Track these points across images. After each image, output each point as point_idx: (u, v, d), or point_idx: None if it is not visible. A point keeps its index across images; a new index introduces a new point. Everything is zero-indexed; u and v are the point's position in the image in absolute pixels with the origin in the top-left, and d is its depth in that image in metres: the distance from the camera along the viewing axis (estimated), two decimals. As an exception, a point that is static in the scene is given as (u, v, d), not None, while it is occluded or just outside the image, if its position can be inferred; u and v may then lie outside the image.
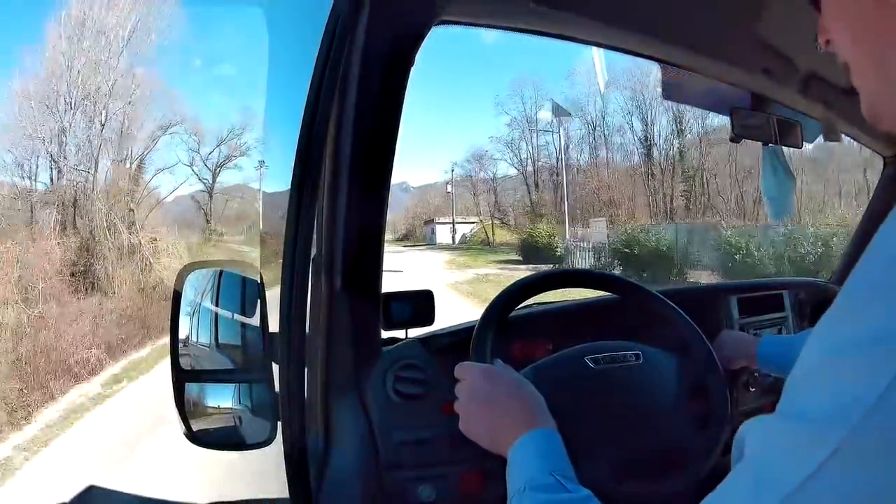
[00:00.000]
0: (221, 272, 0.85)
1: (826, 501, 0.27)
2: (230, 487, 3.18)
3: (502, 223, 23.44)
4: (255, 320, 0.76)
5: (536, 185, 22.90)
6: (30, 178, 11.38)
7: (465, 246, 23.29)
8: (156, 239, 11.95)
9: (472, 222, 25.44)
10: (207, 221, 16.11)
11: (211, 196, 16.33)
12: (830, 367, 0.30)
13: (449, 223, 25.45)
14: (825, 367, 0.30)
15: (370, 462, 0.78)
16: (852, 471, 0.27)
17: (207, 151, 15.34)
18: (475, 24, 0.81)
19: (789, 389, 0.32)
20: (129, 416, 5.65)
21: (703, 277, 12.70)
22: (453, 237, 25.01)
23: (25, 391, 6.41)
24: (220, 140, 15.40)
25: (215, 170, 16.04)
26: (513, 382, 0.65)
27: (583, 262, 16.01)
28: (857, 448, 0.27)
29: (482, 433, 0.63)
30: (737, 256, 12.68)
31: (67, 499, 3.02)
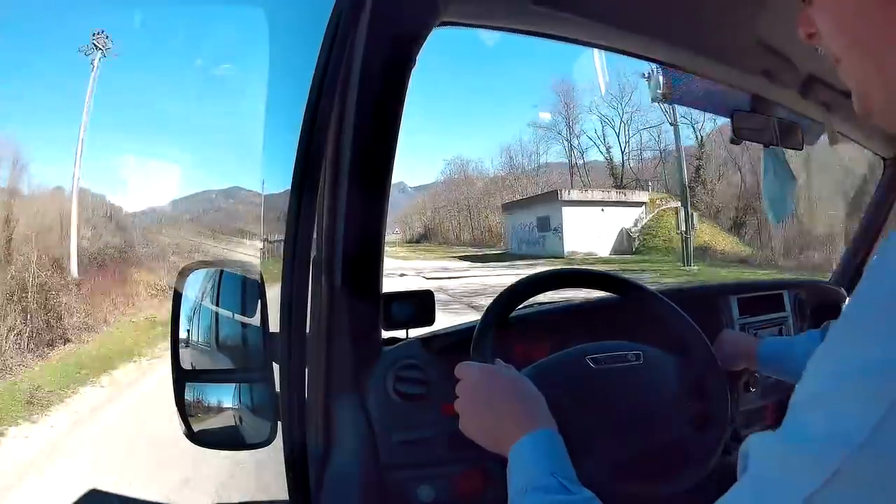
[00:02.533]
0: (222, 272, 0.85)
1: None
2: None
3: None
4: (255, 320, 0.76)
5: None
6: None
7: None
8: None
9: (636, 203, 12.24)
10: None
11: None
12: (831, 392, 0.31)
13: (590, 203, 11.57)
14: (826, 392, 0.31)
15: (370, 462, 0.78)
16: (849, 495, 0.28)
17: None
18: (476, 25, 0.81)
19: (791, 411, 0.33)
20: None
21: None
22: (687, 240, 10.55)
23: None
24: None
25: None
26: (513, 381, 0.65)
27: None
28: (855, 473, 0.28)
29: (482, 433, 0.63)
30: None
31: (65, 498, 3.01)
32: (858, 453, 0.28)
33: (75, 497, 3.00)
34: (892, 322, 0.29)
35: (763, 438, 0.35)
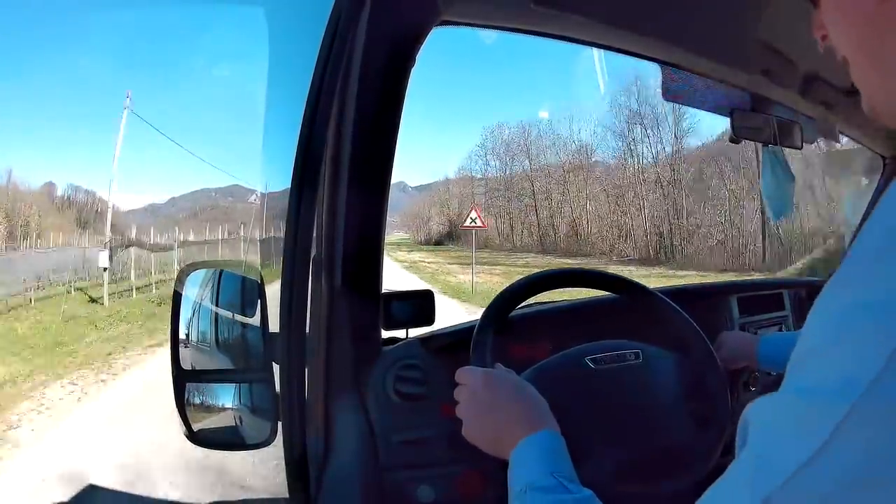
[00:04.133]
0: (222, 272, 0.84)
1: (832, 476, 0.27)
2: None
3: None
4: (255, 320, 0.76)
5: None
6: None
7: None
8: None
9: None
10: None
11: None
12: (832, 339, 0.30)
13: None
14: (827, 340, 0.30)
15: (370, 462, 0.78)
16: (859, 443, 0.26)
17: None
18: (475, 25, 0.81)
19: (792, 366, 0.32)
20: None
21: None
22: None
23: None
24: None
25: None
26: (514, 386, 0.65)
27: None
28: (864, 419, 0.26)
29: (485, 439, 0.63)
30: None
31: (66, 498, 3.01)
32: (866, 398, 0.26)
33: (72, 493, 3.01)
34: (893, 261, 0.28)
35: (763, 401, 0.33)
